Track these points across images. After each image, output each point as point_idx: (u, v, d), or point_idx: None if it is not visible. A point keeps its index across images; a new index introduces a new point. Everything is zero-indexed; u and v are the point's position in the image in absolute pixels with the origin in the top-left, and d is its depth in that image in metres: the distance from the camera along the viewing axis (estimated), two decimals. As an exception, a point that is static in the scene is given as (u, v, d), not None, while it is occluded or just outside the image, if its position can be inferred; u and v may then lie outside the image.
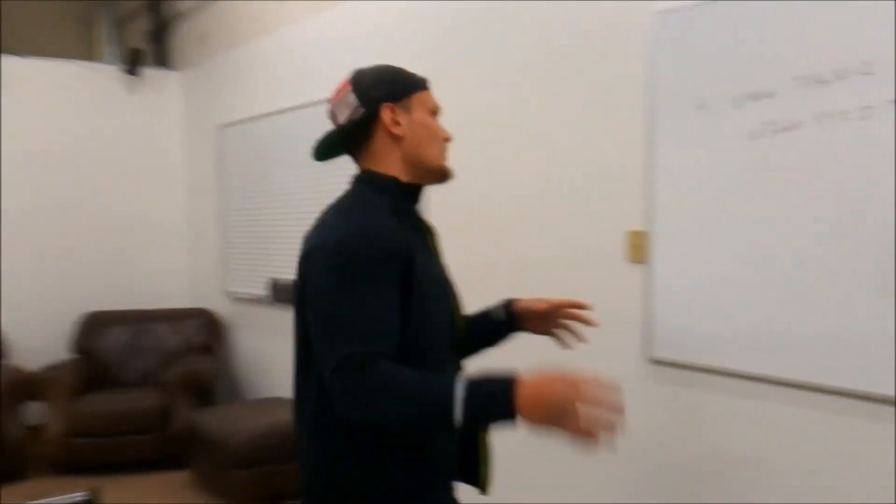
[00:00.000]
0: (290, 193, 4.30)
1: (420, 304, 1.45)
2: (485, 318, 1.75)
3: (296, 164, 4.22)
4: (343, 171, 3.73)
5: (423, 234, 1.58)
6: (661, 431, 2.54)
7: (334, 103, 1.57)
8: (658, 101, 2.42)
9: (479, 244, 3.13)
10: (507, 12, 2.98)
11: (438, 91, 3.29)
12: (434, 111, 1.59)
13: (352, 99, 1.53)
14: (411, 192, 1.57)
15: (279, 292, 4.38)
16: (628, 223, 2.54)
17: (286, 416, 3.90)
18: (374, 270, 1.38)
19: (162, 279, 5.45)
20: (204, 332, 4.97)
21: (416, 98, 1.56)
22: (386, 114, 1.51)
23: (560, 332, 1.74)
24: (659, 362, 2.50)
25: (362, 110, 1.52)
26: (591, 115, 2.63)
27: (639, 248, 2.52)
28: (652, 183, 2.44)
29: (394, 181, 1.54)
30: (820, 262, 2.06)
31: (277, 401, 4.29)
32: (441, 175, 1.59)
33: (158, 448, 4.33)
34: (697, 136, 2.31)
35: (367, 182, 1.54)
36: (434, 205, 3.25)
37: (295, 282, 1.49)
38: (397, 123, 1.52)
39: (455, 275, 3.03)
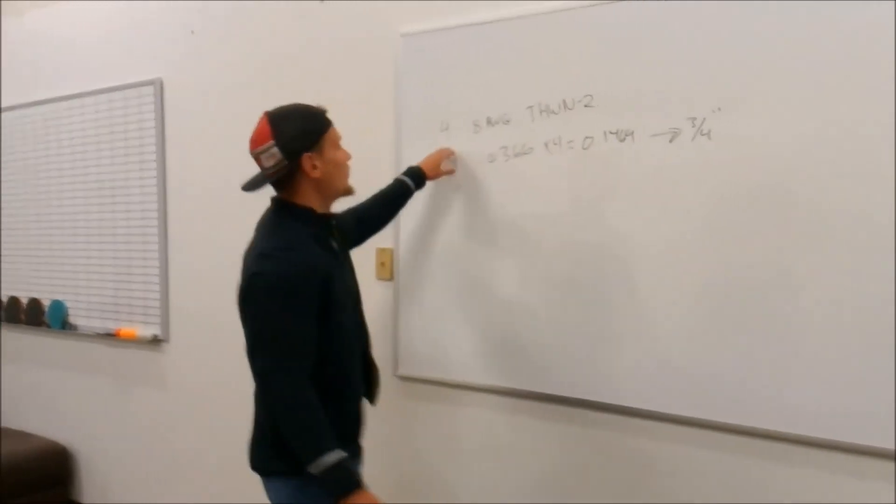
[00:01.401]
0: (14, 204, 3.86)
1: (334, 314, 1.79)
2: (403, 191, 2.26)
3: (18, 170, 3.79)
4: (70, 182, 3.40)
5: (336, 250, 1.89)
6: (409, 445, 2.59)
7: (257, 151, 1.78)
8: (405, 120, 2.46)
9: (224, 249, 3.00)
10: (250, 20, 2.90)
11: (170, 95, 3.17)
12: (338, 142, 1.87)
13: (276, 151, 1.75)
14: (325, 219, 1.87)
15: (11, 312, 3.91)
16: (379, 240, 2.55)
17: (15, 448, 3.57)
18: (301, 298, 1.72)
19: None
20: None
21: (326, 138, 1.82)
22: (307, 164, 1.78)
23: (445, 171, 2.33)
24: (405, 378, 2.54)
25: (286, 162, 1.76)
26: (341, 131, 2.61)
27: (385, 266, 2.55)
28: (399, 200, 2.47)
29: (312, 213, 1.83)
30: (549, 279, 2.21)
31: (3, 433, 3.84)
32: (346, 194, 1.93)
33: None
34: (441, 157, 2.38)
35: (290, 214, 1.82)
36: (175, 202, 3.10)
37: (239, 296, 1.79)
38: (315, 168, 1.79)
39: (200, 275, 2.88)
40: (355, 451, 1.95)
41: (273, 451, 1.84)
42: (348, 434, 1.90)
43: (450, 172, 2.35)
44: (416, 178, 2.29)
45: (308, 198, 1.83)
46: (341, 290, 1.84)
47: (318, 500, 1.77)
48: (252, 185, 1.84)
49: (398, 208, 2.31)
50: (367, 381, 2.04)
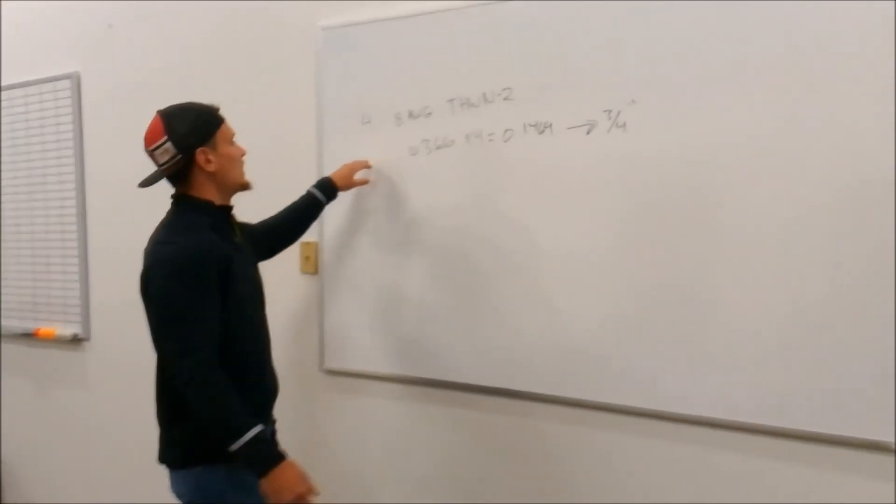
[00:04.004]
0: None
1: (236, 302, 1.83)
2: (313, 204, 2.28)
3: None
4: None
5: (237, 243, 1.93)
6: (335, 438, 2.60)
7: (151, 148, 1.84)
8: (326, 113, 2.46)
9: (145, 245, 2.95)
10: (168, 13, 2.86)
11: (88, 89, 3.11)
12: (231, 138, 1.93)
13: (169, 146, 1.82)
14: (224, 212, 1.93)
15: None
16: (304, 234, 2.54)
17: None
18: (201, 278, 1.75)
19: None
20: None
21: (219, 134, 1.88)
22: (201, 157, 1.84)
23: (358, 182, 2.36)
24: (331, 372, 2.54)
25: (180, 156, 1.83)
26: (262, 124, 2.59)
27: (310, 260, 2.55)
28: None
29: (211, 204, 1.89)
30: (468, 272, 2.24)
31: None
32: (243, 188, 1.97)
33: None
34: (364, 150, 2.38)
35: (189, 206, 1.88)
36: (94, 198, 3.04)
37: (141, 287, 1.83)
38: (209, 161, 1.85)
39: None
40: None
41: (168, 441, 1.90)
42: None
43: (363, 183, 2.36)
44: (327, 189, 2.30)
45: (205, 191, 1.89)
46: (243, 278, 1.88)
47: (219, 488, 1.83)
48: (148, 182, 1.91)
49: (309, 221, 2.32)
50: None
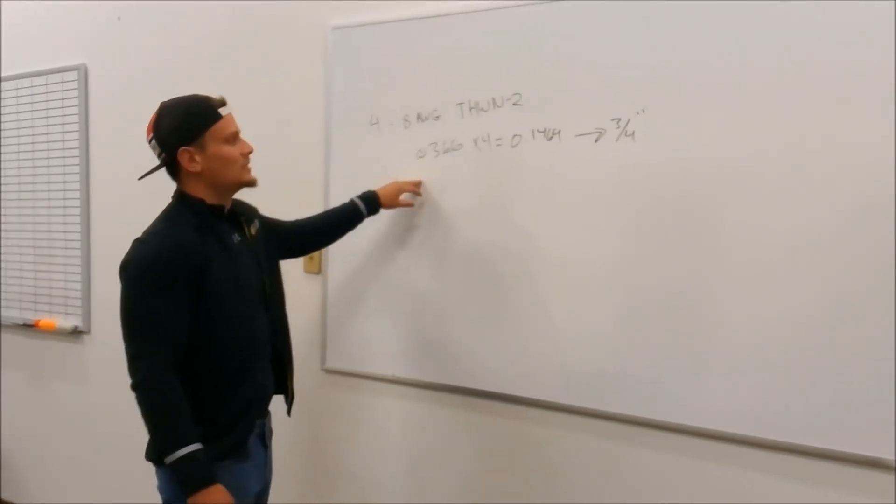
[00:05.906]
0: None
1: (213, 303, 1.77)
2: (353, 213, 2.23)
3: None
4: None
5: (229, 242, 1.85)
6: (335, 437, 2.59)
7: (147, 140, 1.82)
8: (334, 112, 2.45)
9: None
10: (178, 7, 2.86)
11: (95, 81, 3.10)
12: (230, 138, 1.82)
13: (154, 144, 1.80)
14: (216, 210, 1.86)
15: None
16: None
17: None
18: (168, 282, 1.71)
19: None
20: None
21: (210, 133, 1.79)
22: (183, 158, 1.78)
23: (403, 203, 2.30)
24: (331, 371, 2.54)
25: (164, 154, 1.80)
26: (270, 121, 2.60)
27: (314, 259, 2.54)
28: (329, 193, 2.47)
29: (201, 202, 1.83)
30: (472, 276, 2.24)
31: None
32: (244, 185, 1.89)
33: None
34: (371, 152, 2.38)
35: (179, 202, 1.84)
36: (99, 191, 3.03)
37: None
38: (194, 161, 1.78)
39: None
40: (230, 447, 1.85)
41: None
42: (221, 428, 1.83)
43: (407, 205, 2.30)
44: (371, 203, 2.25)
45: (196, 189, 1.84)
46: (226, 278, 1.81)
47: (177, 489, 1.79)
48: (145, 174, 1.92)
49: (347, 229, 2.27)
50: (283, 384, 2.06)
